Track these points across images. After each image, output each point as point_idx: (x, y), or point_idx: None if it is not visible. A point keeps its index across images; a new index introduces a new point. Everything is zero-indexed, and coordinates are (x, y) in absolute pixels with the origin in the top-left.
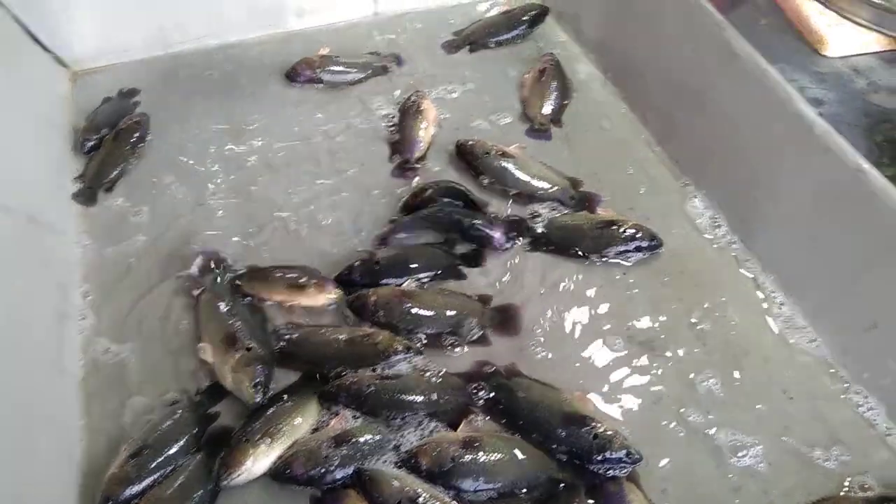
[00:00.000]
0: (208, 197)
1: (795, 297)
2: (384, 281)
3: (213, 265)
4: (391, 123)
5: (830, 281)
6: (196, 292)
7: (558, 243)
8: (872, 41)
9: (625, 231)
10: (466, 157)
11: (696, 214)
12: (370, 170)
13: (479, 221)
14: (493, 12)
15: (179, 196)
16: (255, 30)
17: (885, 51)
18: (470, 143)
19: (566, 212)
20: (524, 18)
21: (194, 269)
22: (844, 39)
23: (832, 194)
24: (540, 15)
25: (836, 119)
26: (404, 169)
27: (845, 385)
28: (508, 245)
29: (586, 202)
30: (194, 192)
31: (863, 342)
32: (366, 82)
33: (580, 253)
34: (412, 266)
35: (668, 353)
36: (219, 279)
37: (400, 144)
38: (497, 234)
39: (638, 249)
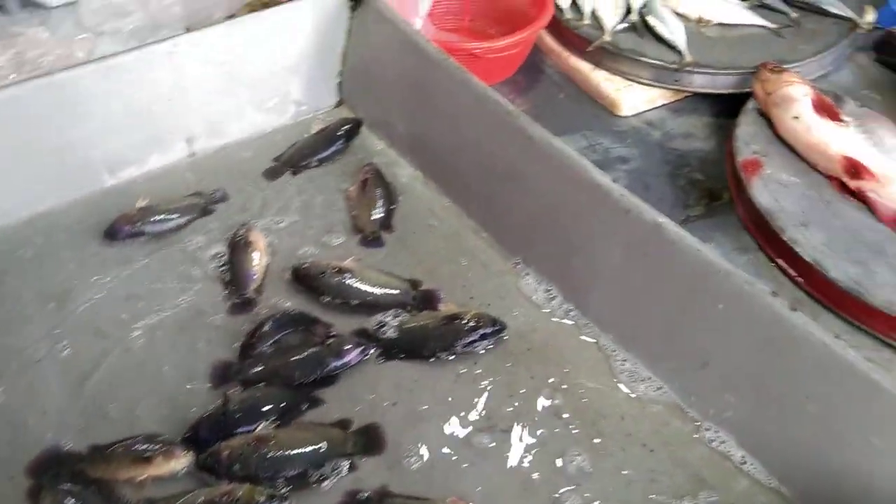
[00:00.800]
0: (35, 383)
1: (635, 350)
2: (236, 431)
3: (51, 461)
4: (222, 263)
5: (660, 329)
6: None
7: (408, 348)
8: (657, 96)
9: (468, 323)
10: (303, 280)
11: (531, 291)
12: (204, 314)
13: (325, 360)
14: (310, 132)
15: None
16: (68, 193)
17: (670, 102)
18: (305, 265)
19: (411, 314)
20: (339, 133)
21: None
22: (634, 99)
23: (640, 250)
24: (354, 127)
25: (641, 172)
26: (240, 305)
27: (696, 424)
28: (361, 357)
29: (428, 301)
30: (19, 380)
31: (700, 381)
32: (191, 225)
33: (430, 353)
34: (263, 409)
35: (531, 438)
36: (59, 475)
37: (233, 282)
38: (346, 358)
39: (483, 338)
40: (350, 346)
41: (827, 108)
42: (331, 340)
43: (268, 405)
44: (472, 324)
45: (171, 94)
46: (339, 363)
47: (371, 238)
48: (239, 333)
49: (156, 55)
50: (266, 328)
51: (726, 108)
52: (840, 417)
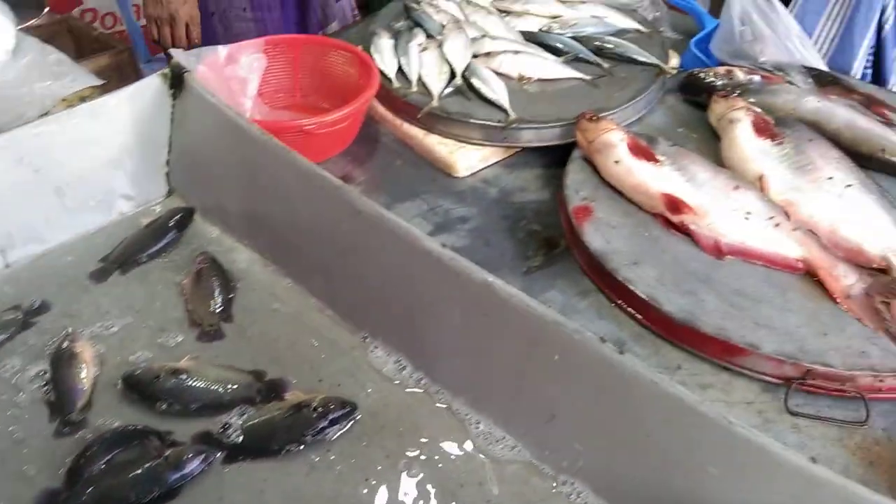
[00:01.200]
0: None
1: (487, 412)
2: None
3: None
4: (45, 382)
5: (506, 387)
6: None
7: (254, 447)
8: (490, 154)
9: (316, 409)
10: (136, 388)
11: (381, 364)
12: (28, 441)
13: (163, 474)
14: (139, 227)
15: None
16: None
17: (503, 159)
18: (137, 372)
19: (257, 409)
20: (170, 224)
21: None
22: (468, 159)
23: (476, 311)
24: (186, 217)
25: (482, 230)
26: (67, 426)
27: (552, 479)
28: (204, 465)
29: (274, 391)
30: None
31: (550, 434)
32: (8, 344)
33: (279, 448)
34: None
35: None
36: None
37: (58, 401)
38: (187, 470)
39: (334, 422)
40: (190, 455)
41: (643, 151)
42: (168, 452)
43: None
44: (320, 409)
45: None
46: (178, 476)
47: (210, 331)
48: (66, 458)
49: None
50: (94, 449)
51: (556, 158)
52: (679, 450)
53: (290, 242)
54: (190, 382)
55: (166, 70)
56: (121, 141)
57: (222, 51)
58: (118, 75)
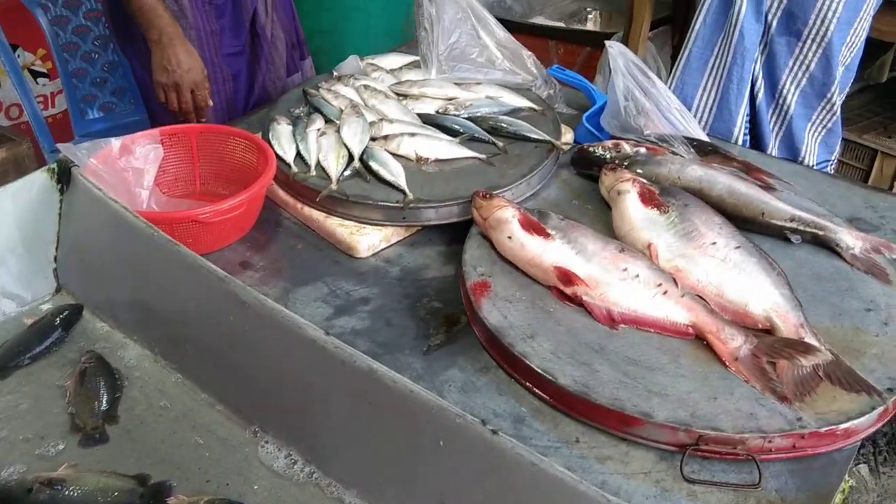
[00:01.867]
0: None
1: (381, 502)
2: None
3: None
4: None
5: (397, 475)
6: None
7: None
8: (392, 234)
9: None
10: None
11: (272, 459)
12: None
13: None
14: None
15: None
16: None
17: (404, 238)
18: (8, 485)
19: None
20: (56, 323)
21: None
22: (369, 240)
23: (363, 400)
24: (73, 314)
25: (383, 310)
26: None
27: None
28: None
29: (157, 497)
30: None
31: None
32: None
33: None
34: None
35: None
36: None
37: None
38: None
39: None
40: None
41: (534, 226)
42: None
43: None
44: None
45: None
46: None
47: (93, 435)
48: None
49: None
50: None
51: (457, 235)
52: None
53: (179, 337)
54: (67, 493)
55: (53, 165)
56: (4, 238)
57: (116, 142)
58: (15, 168)
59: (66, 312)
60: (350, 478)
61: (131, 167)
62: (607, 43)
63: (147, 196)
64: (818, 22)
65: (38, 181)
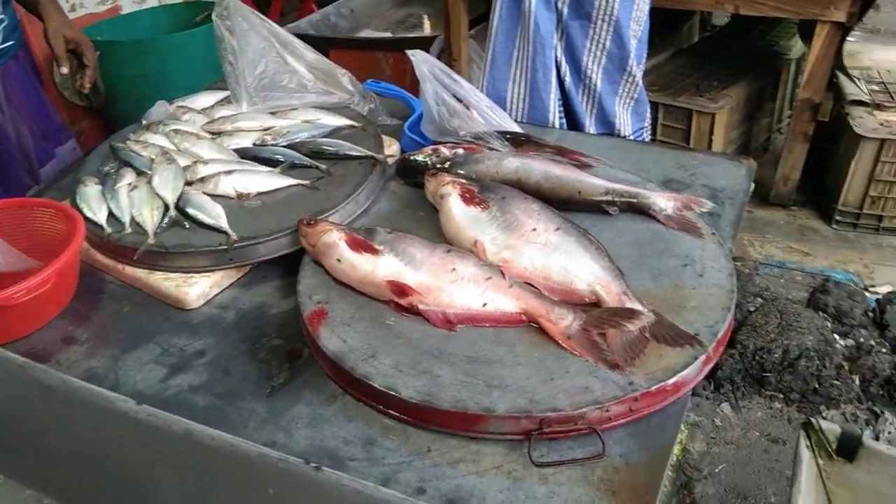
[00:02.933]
0: None
1: None
2: None
3: None
4: None
5: None
6: None
7: None
8: (222, 278)
9: None
10: None
11: None
12: None
13: None
14: None
15: None
16: None
17: (237, 279)
18: None
19: None
20: None
21: None
22: (199, 288)
23: (187, 465)
24: None
25: (220, 359)
26: None
27: None
28: None
29: None
30: None
31: None
32: None
33: None
34: None
35: None
36: None
37: None
38: None
39: None
40: None
41: (361, 244)
42: None
43: None
44: None
45: None
46: None
47: None
48: None
49: None
50: None
51: (290, 268)
52: None
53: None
54: None
55: None
56: None
57: None
58: None
59: None
60: None
61: None
62: (409, 53)
63: None
64: (603, 2)
65: None
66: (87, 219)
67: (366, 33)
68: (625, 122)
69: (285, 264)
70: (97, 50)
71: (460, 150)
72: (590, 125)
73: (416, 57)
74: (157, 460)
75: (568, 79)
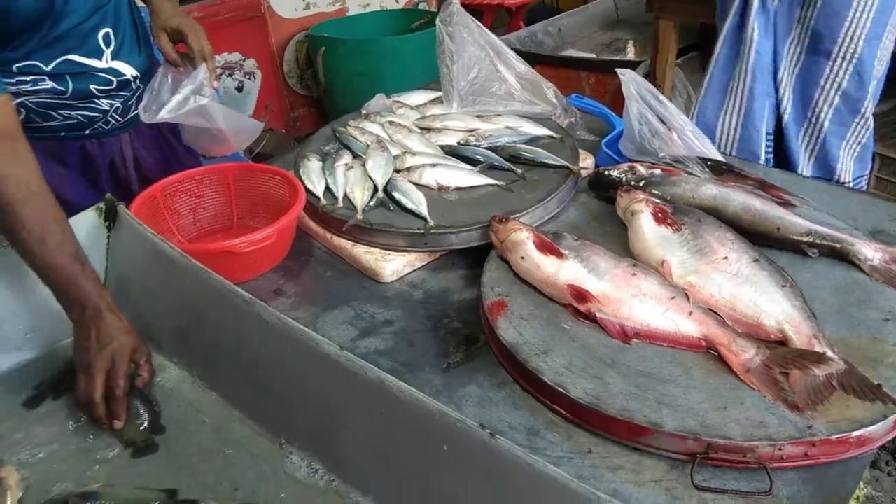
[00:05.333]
0: None
1: None
2: None
3: None
4: None
5: (409, 482)
6: None
7: None
8: (415, 259)
9: None
10: None
11: (295, 469)
12: None
13: None
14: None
15: None
16: None
17: (427, 263)
18: (49, 499)
19: None
20: None
21: None
22: (394, 265)
23: (376, 410)
24: None
25: (406, 331)
26: None
27: None
28: None
29: None
30: None
31: None
32: None
33: None
34: None
35: None
36: None
37: None
38: None
39: None
40: None
41: (548, 246)
42: None
43: None
44: None
45: None
46: None
47: (143, 447)
48: None
49: None
50: None
51: (477, 259)
52: None
53: (213, 359)
54: None
55: (101, 204)
56: None
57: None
58: None
59: None
60: (367, 484)
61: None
62: (619, 71)
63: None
64: (847, 40)
65: (88, 219)
66: (307, 189)
67: (570, 52)
68: (847, 168)
69: (472, 256)
70: (322, 46)
71: (657, 171)
72: (805, 166)
73: (626, 76)
74: (351, 401)
75: (788, 114)
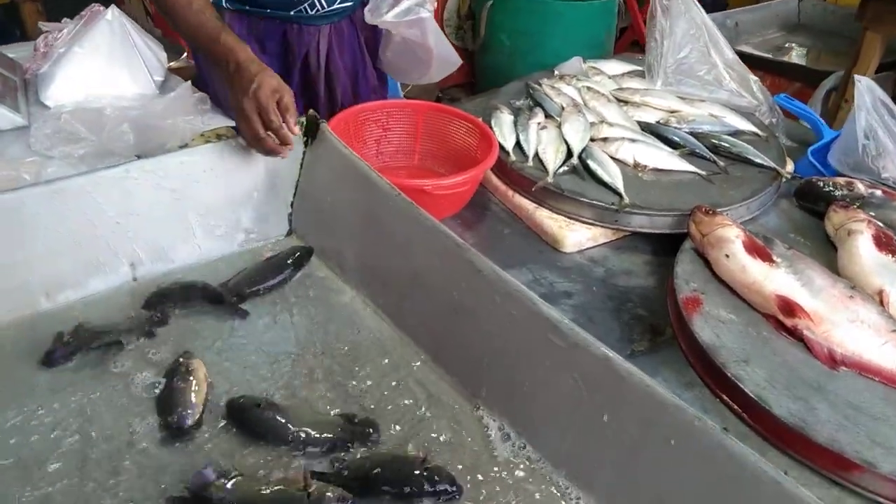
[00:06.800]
0: None
1: (588, 488)
2: None
3: None
4: (159, 392)
5: (612, 466)
6: None
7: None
8: (599, 234)
9: (425, 471)
10: (235, 414)
11: (483, 426)
12: (139, 448)
13: None
14: (258, 260)
15: None
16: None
17: (611, 240)
18: (241, 399)
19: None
20: (289, 262)
21: None
22: (577, 236)
23: (590, 385)
24: (305, 256)
25: (586, 307)
26: (177, 435)
27: None
28: None
29: (365, 433)
30: None
31: None
32: (129, 352)
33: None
34: None
35: None
36: None
37: (170, 411)
38: None
39: (436, 494)
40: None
41: (758, 250)
42: (313, 488)
43: None
44: (427, 474)
45: (118, 218)
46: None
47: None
48: (174, 464)
49: (105, 180)
50: None
51: (664, 246)
52: None
53: (404, 294)
54: (286, 416)
55: (302, 119)
56: (252, 179)
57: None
58: None
59: (299, 254)
60: (561, 458)
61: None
62: (856, 77)
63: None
64: None
65: None
66: None
67: (743, 48)
68: None
69: (658, 242)
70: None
71: (878, 192)
72: None
73: (861, 84)
74: (562, 371)
75: None
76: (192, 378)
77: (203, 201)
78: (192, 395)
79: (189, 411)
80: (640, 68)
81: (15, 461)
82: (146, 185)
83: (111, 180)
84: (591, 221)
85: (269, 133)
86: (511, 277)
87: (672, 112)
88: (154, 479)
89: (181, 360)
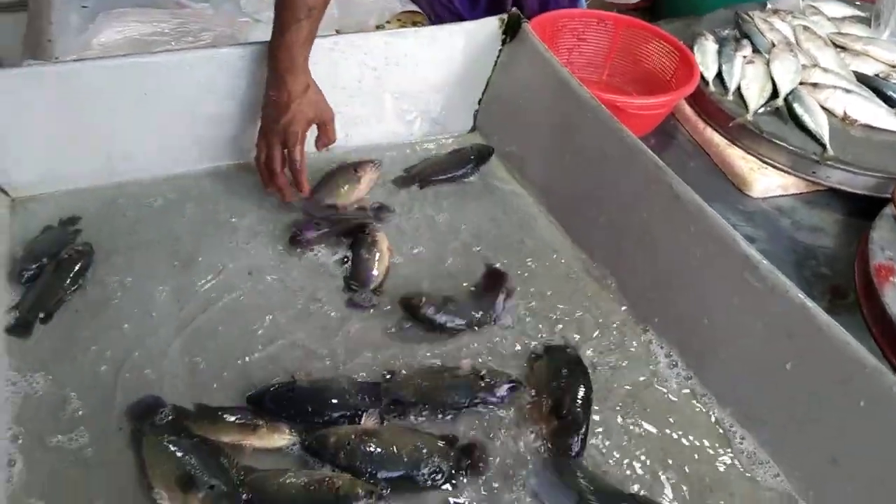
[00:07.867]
0: (151, 334)
1: (755, 431)
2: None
3: (155, 408)
4: (344, 257)
5: (788, 415)
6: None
7: None
8: (791, 184)
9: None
10: (410, 310)
11: (652, 352)
12: (326, 304)
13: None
14: (441, 151)
15: (122, 331)
16: (204, 162)
17: (802, 193)
18: (414, 301)
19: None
20: (472, 157)
21: (136, 411)
22: (767, 182)
23: (782, 331)
24: (486, 155)
25: (768, 256)
26: (359, 301)
27: None
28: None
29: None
30: (137, 328)
31: (825, 478)
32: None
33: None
34: (332, 401)
35: None
36: (163, 420)
37: (354, 277)
38: (499, 395)
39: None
40: (505, 383)
41: None
42: (484, 372)
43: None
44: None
45: (321, 87)
46: (491, 398)
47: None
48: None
49: (315, 49)
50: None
51: (859, 208)
52: None
53: (584, 208)
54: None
55: (504, 15)
56: (447, 70)
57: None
58: None
59: (481, 151)
60: (731, 397)
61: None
62: None
63: None
64: None
65: (488, 27)
66: None
67: None
68: None
69: (853, 204)
70: None
71: None
72: None
73: None
74: (750, 310)
75: None
76: (375, 248)
77: (398, 85)
78: (375, 263)
79: (370, 277)
80: (864, 14)
81: (211, 300)
82: (352, 61)
83: (321, 50)
84: (786, 169)
85: (285, 171)
86: (712, 210)
87: (894, 66)
88: (326, 338)
89: (366, 230)
